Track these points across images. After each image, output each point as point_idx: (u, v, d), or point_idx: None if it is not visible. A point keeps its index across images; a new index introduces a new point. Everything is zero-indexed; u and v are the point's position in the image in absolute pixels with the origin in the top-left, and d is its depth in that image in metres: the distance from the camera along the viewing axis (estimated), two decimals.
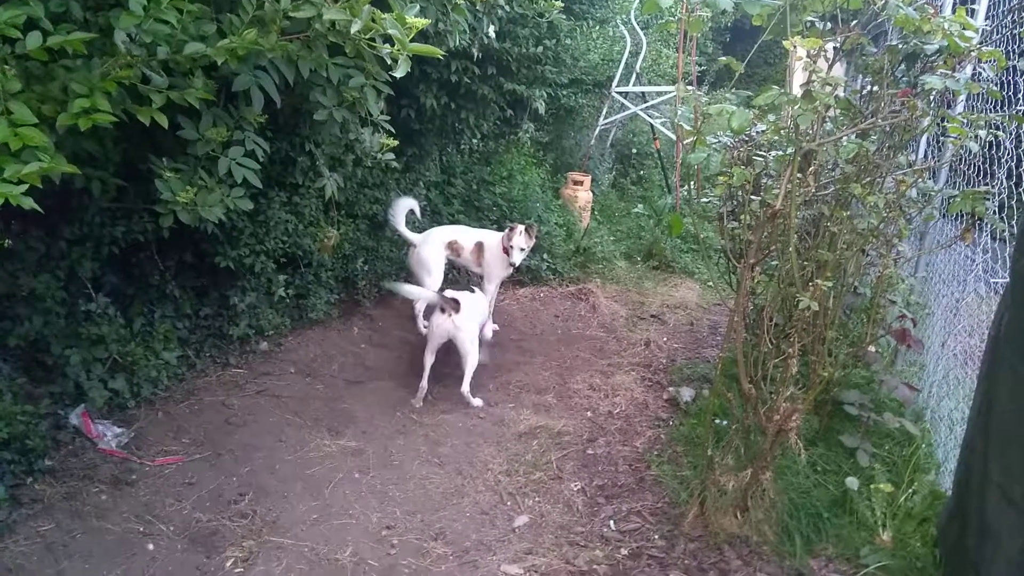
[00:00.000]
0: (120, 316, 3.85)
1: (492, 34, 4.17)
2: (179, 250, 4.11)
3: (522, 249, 4.89)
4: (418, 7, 1.89)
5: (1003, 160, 2.78)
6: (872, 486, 3.05)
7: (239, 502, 3.23)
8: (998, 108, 2.96)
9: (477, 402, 4.21)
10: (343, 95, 2.70)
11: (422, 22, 1.83)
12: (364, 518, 3.16)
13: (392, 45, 1.87)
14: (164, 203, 2.49)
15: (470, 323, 4.25)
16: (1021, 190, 2.55)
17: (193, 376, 4.21)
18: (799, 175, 2.47)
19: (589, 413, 4.20)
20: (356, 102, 2.74)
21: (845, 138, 2.39)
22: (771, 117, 2.71)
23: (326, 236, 4.22)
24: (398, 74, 1.87)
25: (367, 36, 1.87)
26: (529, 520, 3.20)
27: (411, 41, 2.13)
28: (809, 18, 2.57)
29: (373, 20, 1.80)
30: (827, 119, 2.51)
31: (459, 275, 5.50)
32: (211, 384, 4.20)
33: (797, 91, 2.37)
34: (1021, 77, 2.64)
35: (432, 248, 4.91)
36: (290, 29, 2.18)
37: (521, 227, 4.89)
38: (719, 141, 3.02)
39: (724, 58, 2.71)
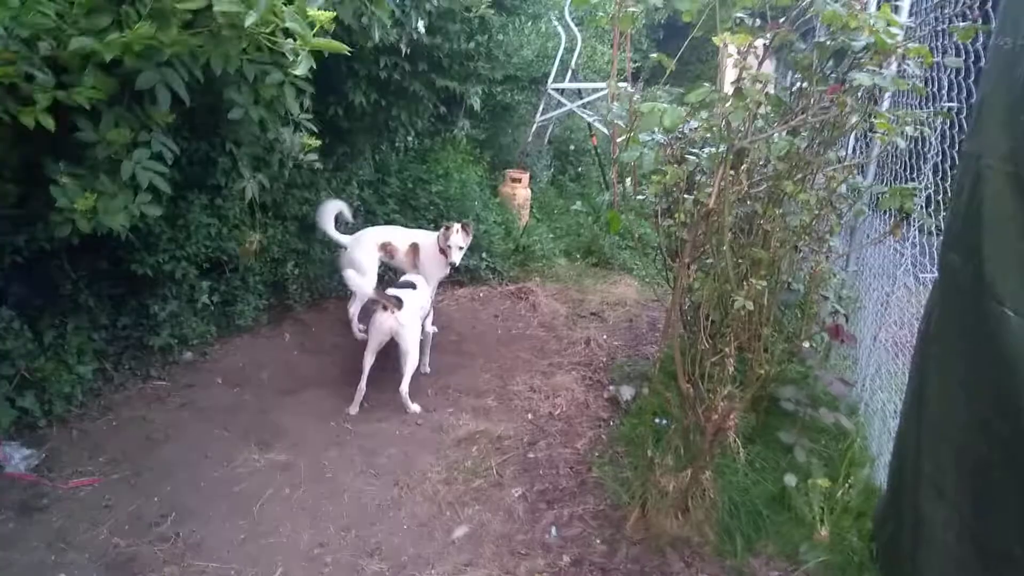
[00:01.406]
0: (28, 329, 3.61)
1: (421, 29, 4.04)
2: (92, 257, 3.86)
3: (460, 248, 4.79)
4: None
5: (928, 156, 2.82)
6: (809, 481, 3.06)
7: (160, 524, 3.04)
8: (923, 104, 3.00)
9: (415, 408, 4.08)
10: (260, 92, 2.54)
11: (325, 15, 1.69)
12: (295, 536, 3.01)
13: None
14: (60, 211, 2.29)
15: (413, 320, 4.12)
16: (947, 185, 2.58)
17: (111, 390, 3.99)
18: (731, 172, 2.45)
19: (530, 415, 4.12)
20: (274, 100, 2.59)
21: (777, 135, 2.36)
22: (703, 114, 2.68)
23: (248, 241, 4.02)
24: (297, 72, 1.73)
25: (267, 30, 1.73)
26: (469, 531, 3.11)
27: (329, 35, 2.00)
28: (739, 15, 2.54)
29: (274, 13, 1.66)
30: (758, 116, 2.48)
31: (395, 276, 5.36)
32: (131, 398, 3.98)
33: (728, 88, 2.34)
34: (945, 73, 2.67)
35: (364, 250, 4.75)
36: (198, 23, 2.02)
37: (457, 225, 4.80)
38: (653, 139, 2.98)
39: (656, 55, 2.66)
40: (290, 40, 1.70)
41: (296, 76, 1.98)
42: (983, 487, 2.05)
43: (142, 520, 3.06)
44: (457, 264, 4.86)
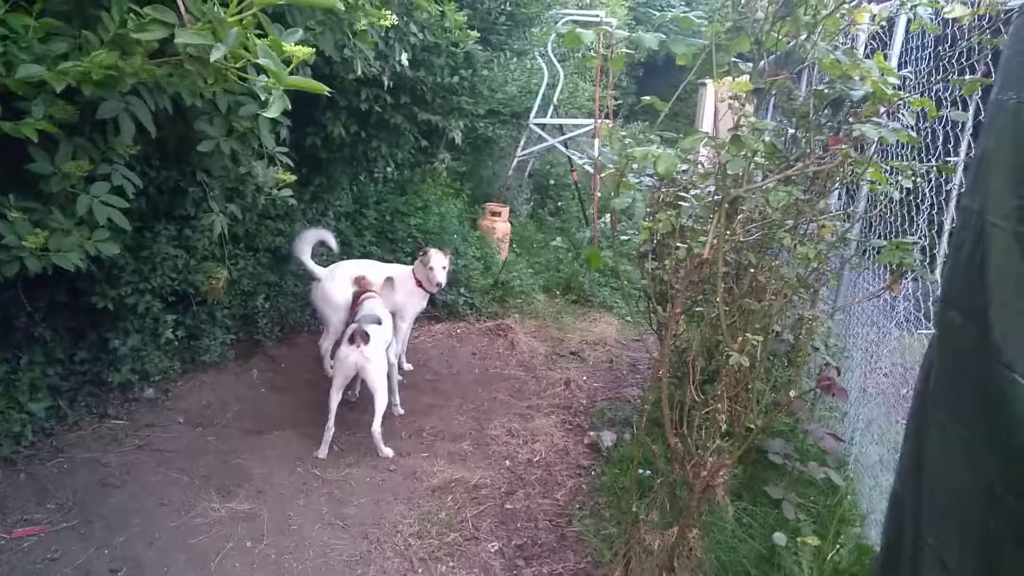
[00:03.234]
0: None
1: (405, 62, 3.94)
2: (50, 288, 3.65)
3: (444, 267, 4.69)
4: (300, 32, 1.62)
5: (922, 208, 2.76)
6: (799, 539, 2.94)
7: None
8: (910, 155, 2.96)
9: (387, 452, 3.90)
10: (233, 124, 2.40)
11: (302, 51, 1.56)
12: None
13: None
14: (7, 248, 2.11)
15: (380, 355, 3.94)
16: (943, 239, 2.51)
17: (64, 430, 3.76)
18: (725, 220, 2.35)
19: (508, 462, 3.96)
20: (248, 132, 2.44)
21: (773, 185, 2.28)
22: (691, 156, 2.61)
23: (214, 277, 3.83)
24: (270, 114, 1.60)
25: (237, 65, 1.59)
26: None
27: (309, 67, 1.88)
28: (733, 58, 2.48)
29: (245, 48, 1.52)
30: (753, 163, 2.40)
31: None
32: (85, 438, 3.75)
33: (708, 128, 2.27)
34: (940, 125, 2.62)
35: (338, 283, 4.57)
36: (168, 51, 1.89)
37: (434, 249, 4.72)
38: (640, 181, 2.90)
39: (647, 98, 2.58)
40: (263, 76, 1.57)
41: (271, 116, 1.83)
42: (992, 564, 1.94)
43: (90, 575, 2.84)
44: (445, 284, 4.76)
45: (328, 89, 1.70)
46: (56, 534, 3.07)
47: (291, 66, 1.56)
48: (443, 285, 4.76)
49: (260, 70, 1.57)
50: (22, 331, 3.63)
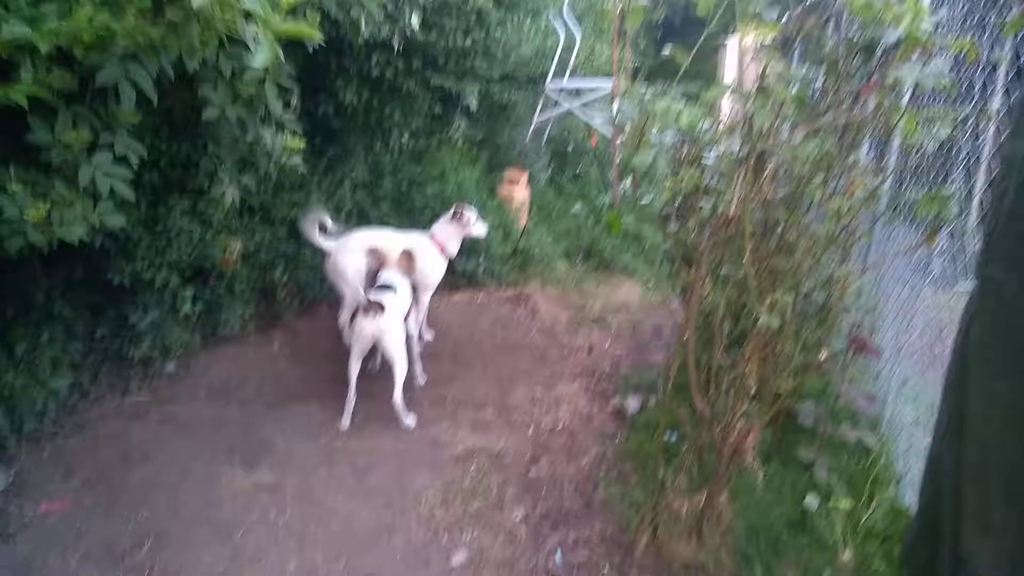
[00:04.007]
0: None
1: (415, 24, 3.82)
2: (67, 265, 3.65)
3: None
4: None
5: (958, 159, 2.63)
6: (831, 503, 2.88)
7: (135, 553, 2.85)
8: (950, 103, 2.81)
9: (410, 421, 3.88)
10: (238, 90, 2.32)
11: None
12: (280, 565, 2.82)
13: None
14: (9, 222, 2.07)
15: (396, 324, 3.90)
16: (983, 192, 2.39)
17: (86, 406, 3.78)
18: (752, 176, 2.25)
19: (531, 429, 3.92)
20: (253, 98, 2.37)
21: (803, 138, 2.17)
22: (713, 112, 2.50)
23: (228, 250, 3.79)
24: (256, 64, 1.52)
25: (225, 15, 1.50)
26: (468, 557, 2.91)
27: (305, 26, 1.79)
28: (756, 8, 2.35)
29: None
30: (780, 115, 2.29)
31: None
32: (107, 414, 3.77)
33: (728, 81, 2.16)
34: (977, 71, 2.48)
35: (351, 256, 4.40)
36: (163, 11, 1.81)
37: (465, 205, 4.79)
38: (661, 140, 2.79)
39: (667, 50, 2.47)
40: (253, 26, 1.49)
41: (258, 68, 1.73)
42: None
43: (115, 548, 2.87)
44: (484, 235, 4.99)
45: (319, 35, 1.62)
46: (81, 508, 3.10)
47: (282, 14, 1.48)
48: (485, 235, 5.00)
49: (251, 19, 1.49)
50: (41, 308, 3.64)
